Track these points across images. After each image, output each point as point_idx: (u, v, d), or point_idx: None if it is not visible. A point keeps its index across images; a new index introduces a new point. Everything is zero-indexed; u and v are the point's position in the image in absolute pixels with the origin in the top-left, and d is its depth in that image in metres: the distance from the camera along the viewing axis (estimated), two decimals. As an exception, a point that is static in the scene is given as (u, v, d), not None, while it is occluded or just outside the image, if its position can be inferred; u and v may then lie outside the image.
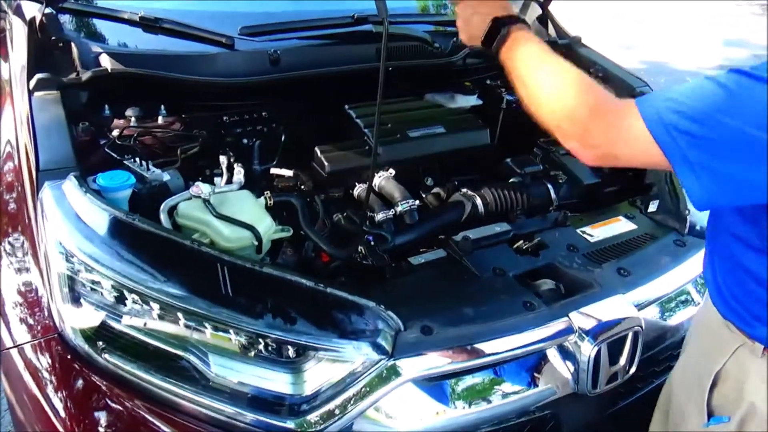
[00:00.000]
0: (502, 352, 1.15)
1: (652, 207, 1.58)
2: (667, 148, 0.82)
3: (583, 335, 1.19)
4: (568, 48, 2.12)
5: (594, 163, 0.95)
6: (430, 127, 1.64)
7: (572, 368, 1.21)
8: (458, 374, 1.16)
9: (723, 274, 1.01)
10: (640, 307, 1.28)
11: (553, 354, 1.22)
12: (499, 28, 1.06)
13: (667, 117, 0.82)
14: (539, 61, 1.01)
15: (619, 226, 1.51)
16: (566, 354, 1.21)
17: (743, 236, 0.93)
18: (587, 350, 1.18)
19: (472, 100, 1.92)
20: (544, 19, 2.17)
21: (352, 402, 1.07)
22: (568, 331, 1.20)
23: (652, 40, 6.63)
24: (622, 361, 1.24)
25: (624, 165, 0.94)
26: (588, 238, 1.45)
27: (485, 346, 1.14)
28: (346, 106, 1.67)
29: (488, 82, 2.01)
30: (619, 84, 1.95)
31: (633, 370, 1.27)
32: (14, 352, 1.18)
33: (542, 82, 0.98)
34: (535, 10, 2.19)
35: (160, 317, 1.08)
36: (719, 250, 1.02)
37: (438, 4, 2.30)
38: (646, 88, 1.90)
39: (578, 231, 1.47)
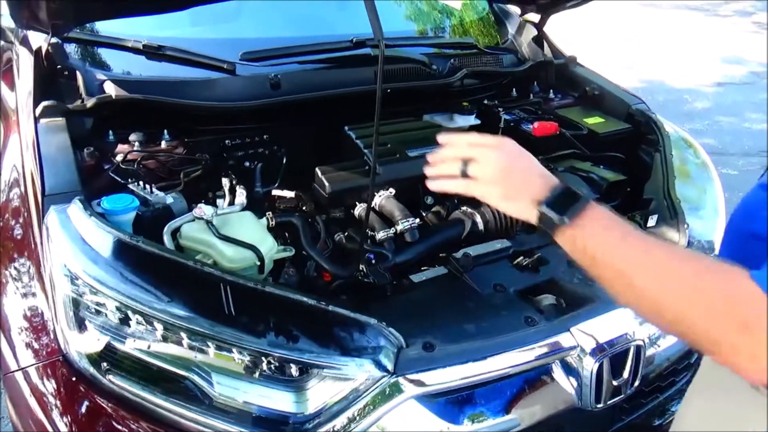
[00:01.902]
0: (505, 368, 1.16)
1: (651, 221, 1.59)
2: None
3: (585, 349, 1.19)
4: (563, 67, 2.16)
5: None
6: (429, 146, 1.65)
7: (575, 383, 1.21)
8: (461, 390, 1.16)
9: None
10: (642, 321, 1.28)
11: (555, 368, 1.22)
12: (568, 197, 0.81)
13: None
14: (647, 256, 0.73)
15: (618, 240, 1.52)
16: (569, 368, 1.22)
17: None
18: (589, 364, 1.19)
19: (470, 120, 1.94)
20: (540, 39, 2.21)
21: (355, 420, 1.08)
22: (570, 345, 1.20)
23: (651, 59, 6.69)
24: (625, 375, 1.24)
25: None
26: (588, 253, 1.45)
27: (487, 362, 1.14)
28: (346, 128, 1.69)
29: (486, 102, 2.03)
30: (614, 101, 1.98)
31: (636, 384, 1.26)
32: (19, 377, 1.18)
33: (659, 289, 0.71)
34: (530, 31, 2.23)
35: (164, 338, 1.08)
36: None
37: (435, 27, 2.34)
38: (642, 106, 1.93)
39: (578, 246, 1.48)
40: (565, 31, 3.15)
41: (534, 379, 1.23)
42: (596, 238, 0.77)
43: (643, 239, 0.74)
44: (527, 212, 0.84)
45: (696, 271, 0.69)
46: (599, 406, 1.21)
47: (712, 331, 0.66)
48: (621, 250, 0.74)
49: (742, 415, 0.78)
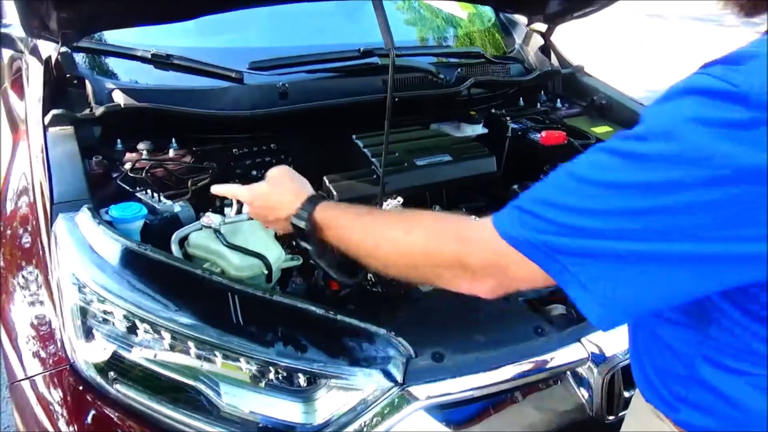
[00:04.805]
0: (515, 378, 1.14)
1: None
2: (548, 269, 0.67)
3: (596, 360, 1.18)
4: (571, 76, 2.16)
5: (493, 295, 0.78)
6: (436, 155, 1.66)
7: (586, 394, 1.20)
8: (471, 401, 1.14)
9: (644, 350, 0.84)
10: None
11: (566, 379, 1.21)
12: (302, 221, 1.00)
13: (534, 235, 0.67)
14: (372, 225, 0.88)
15: (628, 249, 1.50)
16: (580, 379, 1.20)
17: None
18: (601, 375, 1.17)
19: (477, 129, 1.94)
20: (547, 48, 2.21)
21: (363, 431, 1.06)
22: (581, 356, 1.19)
23: (657, 69, 6.69)
24: (637, 386, 1.22)
25: (530, 287, 0.77)
26: (598, 262, 1.44)
27: (497, 372, 1.13)
28: (354, 136, 1.69)
29: (493, 110, 2.03)
30: (622, 110, 1.97)
31: (648, 395, 1.25)
32: (26, 385, 1.17)
33: (391, 244, 0.85)
34: (537, 41, 2.23)
35: (172, 347, 1.08)
36: (641, 325, 0.85)
37: (442, 36, 2.34)
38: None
39: (588, 255, 1.46)
40: (572, 41, 3.15)
41: (544, 389, 1.21)
42: (334, 224, 0.94)
43: (375, 212, 0.92)
44: (285, 228, 1.07)
45: (435, 218, 0.88)
46: (611, 417, 1.20)
47: (443, 257, 0.78)
48: (359, 224, 0.90)
49: None
